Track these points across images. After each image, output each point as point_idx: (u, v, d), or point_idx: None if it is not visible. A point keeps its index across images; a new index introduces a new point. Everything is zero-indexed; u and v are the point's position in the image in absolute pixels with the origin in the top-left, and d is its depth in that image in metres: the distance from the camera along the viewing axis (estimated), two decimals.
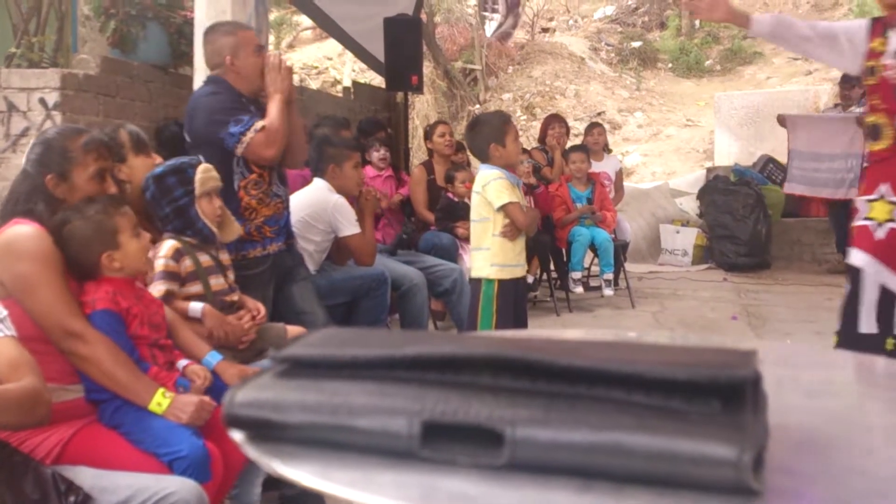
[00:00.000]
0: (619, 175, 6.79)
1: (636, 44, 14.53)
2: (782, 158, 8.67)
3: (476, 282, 3.33)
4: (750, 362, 0.73)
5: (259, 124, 2.81)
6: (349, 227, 3.71)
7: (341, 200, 3.73)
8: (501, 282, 3.26)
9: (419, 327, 4.13)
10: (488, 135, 3.28)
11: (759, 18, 3.13)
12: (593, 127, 6.84)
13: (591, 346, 0.87)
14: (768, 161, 8.33)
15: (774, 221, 7.78)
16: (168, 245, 2.33)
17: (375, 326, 3.82)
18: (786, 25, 3.12)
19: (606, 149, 6.80)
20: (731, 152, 10.29)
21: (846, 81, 7.00)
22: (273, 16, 12.60)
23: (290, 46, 14.03)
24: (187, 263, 2.34)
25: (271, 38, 13.14)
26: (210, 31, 3.08)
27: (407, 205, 5.64)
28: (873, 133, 3.10)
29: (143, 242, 2.04)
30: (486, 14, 5.88)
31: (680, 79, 13.75)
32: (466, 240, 5.29)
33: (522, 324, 3.43)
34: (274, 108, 2.88)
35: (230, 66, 2.94)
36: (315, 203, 3.67)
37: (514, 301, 3.32)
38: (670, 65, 14.01)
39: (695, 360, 0.75)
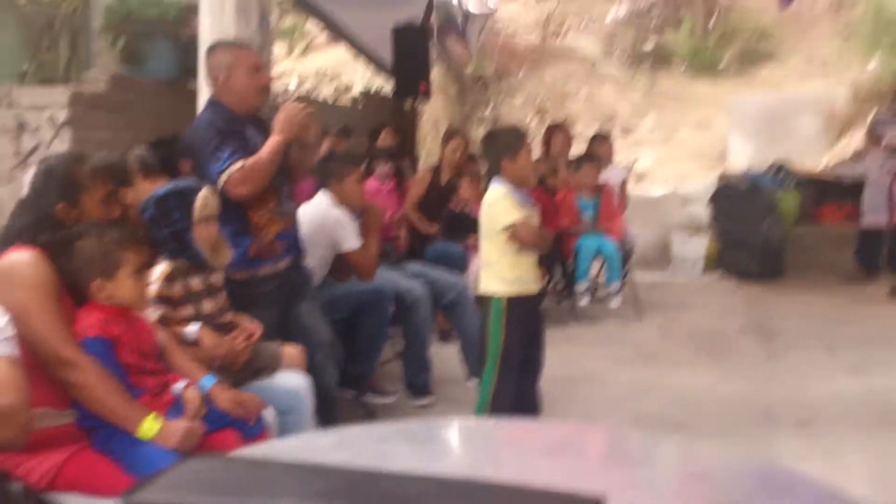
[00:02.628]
0: (624, 187, 6.74)
1: (649, 45, 14.45)
2: (797, 163, 8.64)
3: (486, 298, 3.29)
4: None
5: (238, 164, 2.82)
6: (350, 241, 3.72)
7: (342, 214, 3.75)
8: (511, 298, 3.22)
9: (422, 341, 4.12)
10: (501, 148, 3.26)
11: None
12: (601, 138, 6.78)
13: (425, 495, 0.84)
14: (781, 166, 8.25)
15: (788, 229, 7.67)
16: (160, 269, 2.36)
17: (377, 341, 3.83)
18: None
19: (610, 159, 6.75)
20: (745, 156, 10.18)
21: None
22: (287, 23, 12.64)
23: (305, 52, 14.08)
24: (178, 287, 2.37)
25: (283, 47, 13.18)
26: (210, 50, 3.12)
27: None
28: None
29: (140, 285, 2.07)
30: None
31: (694, 80, 13.63)
32: (476, 249, 5.30)
33: (537, 341, 3.39)
34: (267, 148, 2.89)
35: (224, 84, 2.97)
36: (316, 218, 3.68)
37: (527, 316, 3.28)
38: (684, 66, 13.91)
39: None
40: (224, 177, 2.80)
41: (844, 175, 8.11)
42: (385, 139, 5.94)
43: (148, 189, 2.50)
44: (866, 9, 11.66)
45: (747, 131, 10.62)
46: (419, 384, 4.12)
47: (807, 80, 12.55)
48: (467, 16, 5.75)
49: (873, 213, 6.92)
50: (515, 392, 3.31)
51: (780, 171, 8.21)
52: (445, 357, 4.50)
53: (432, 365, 4.18)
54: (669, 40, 14.48)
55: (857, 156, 8.46)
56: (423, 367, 4.13)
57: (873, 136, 6.99)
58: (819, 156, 9.82)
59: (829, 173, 8.47)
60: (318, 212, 3.72)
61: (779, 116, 10.46)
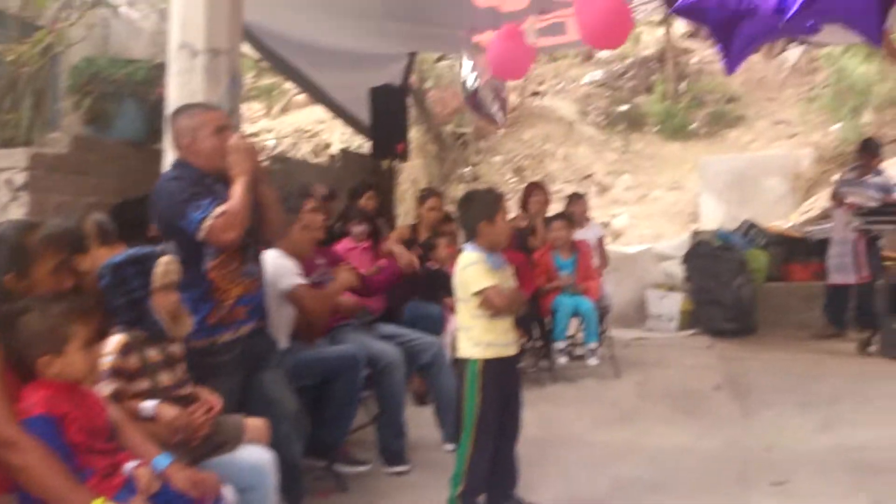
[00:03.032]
0: (601, 243, 6.77)
1: (624, 107, 14.73)
2: (765, 222, 8.78)
3: (462, 362, 3.24)
4: None
5: (218, 210, 2.78)
6: (289, 278, 3.57)
7: (280, 257, 3.61)
8: (486, 361, 3.17)
9: (396, 406, 4.01)
10: (479, 211, 3.23)
11: None
12: (576, 197, 6.88)
13: None
14: (751, 225, 8.36)
15: (759, 286, 7.75)
16: (115, 340, 2.28)
17: (348, 408, 3.72)
18: None
19: (586, 218, 6.81)
20: (716, 215, 10.35)
21: (869, 149, 7.03)
22: (266, 82, 12.76)
23: (284, 111, 14.18)
24: (134, 359, 2.28)
25: (262, 105, 13.27)
26: (174, 115, 3.08)
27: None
28: None
29: (91, 357, 1.99)
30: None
31: (666, 142, 13.89)
32: (453, 310, 5.23)
33: (513, 405, 3.31)
34: (236, 190, 2.84)
35: (190, 148, 2.94)
36: (267, 274, 3.53)
37: (503, 380, 3.22)
38: (657, 128, 14.17)
39: None
40: (206, 224, 2.74)
41: (811, 234, 8.24)
42: (368, 201, 5.95)
43: (105, 256, 2.43)
44: (829, 74, 12.02)
45: (717, 191, 10.81)
46: (393, 451, 4.00)
47: (773, 142, 12.85)
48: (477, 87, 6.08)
49: (839, 271, 7.00)
50: (492, 457, 3.24)
51: (750, 230, 8.31)
52: (421, 421, 4.41)
53: (407, 430, 4.07)
54: (642, 103, 14.80)
55: (823, 215, 8.60)
56: (397, 434, 4.02)
57: (837, 197, 7.11)
58: (786, 215, 10.00)
59: (796, 232, 8.59)
60: (267, 267, 3.59)
61: (747, 177, 10.69)
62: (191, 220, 2.75)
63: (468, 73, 6.19)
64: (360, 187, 6.13)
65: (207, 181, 2.92)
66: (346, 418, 3.75)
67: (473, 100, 6.42)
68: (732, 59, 3.14)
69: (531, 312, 5.75)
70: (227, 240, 2.80)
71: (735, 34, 3.09)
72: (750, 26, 3.06)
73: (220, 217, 2.75)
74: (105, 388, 2.19)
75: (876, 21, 2.88)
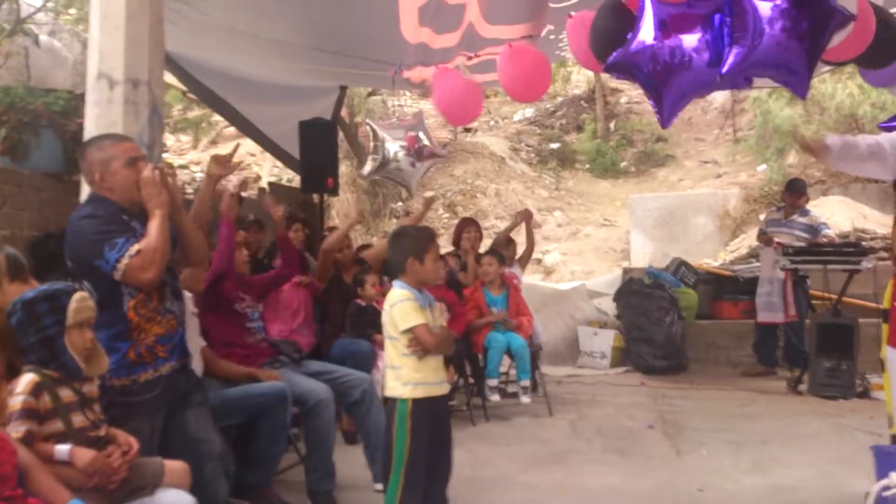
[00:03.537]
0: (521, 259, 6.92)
1: (554, 145, 15.01)
2: (693, 260, 8.99)
3: (391, 401, 3.17)
4: None
5: (135, 248, 2.67)
6: None
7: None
8: (416, 401, 3.11)
9: (325, 446, 3.90)
10: (408, 248, 3.18)
11: (832, 143, 3.61)
12: (507, 240, 6.93)
13: None
14: (680, 264, 8.53)
15: (689, 324, 7.90)
16: (27, 380, 2.15)
17: (275, 448, 3.61)
18: (850, 146, 3.56)
19: (515, 260, 6.87)
20: (646, 253, 10.56)
21: (795, 190, 7.24)
22: (195, 114, 12.54)
23: (213, 143, 13.96)
24: (46, 399, 2.15)
25: (188, 138, 13.02)
26: (83, 147, 2.95)
27: (317, 307, 5.49)
28: None
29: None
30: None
31: (597, 179, 14.18)
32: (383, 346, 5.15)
33: (444, 445, 3.25)
34: (153, 226, 2.72)
35: (101, 182, 2.82)
36: None
37: (433, 420, 3.16)
38: (587, 166, 14.47)
39: None
40: (122, 264, 2.62)
41: (740, 272, 8.46)
42: (295, 234, 5.84)
43: (15, 292, 2.31)
44: (755, 116, 12.47)
45: (647, 229, 11.05)
46: (322, 492, 3.87)
47: (702, 181, 13.25)
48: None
49: (768, 310, 7.16)
50: (422, 498, 3.16)
51: (680, 268, 8.48)
52: (351, 460, 4.30)
53: (336, 470, 3.96)
54: (573, 141, 15.11)
55: (751, 254, 8.86)
56: (326, 474, 3.90)
57: (764, 237, 7.31)
58: (714, 253, 10.27)
59: (726, 270, 8.82)
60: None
61: (676, 215, 10.96)
62: (106, 259, 2.64)
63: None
64: (287, 220, 6.02)
65: (124, 217, 2.81)
66: (273, 458, 3.63)
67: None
68: (666, 113, 3.19)
69: (464, 349, 5.72)
70: (145, 279, 2.69)
71: (668, 87, 3.13)
72: (684, 79, 3.12)
73: (136, 256, 2.64)
74: (15, 430, 2.06)
75: (806, 75, 2.99)
